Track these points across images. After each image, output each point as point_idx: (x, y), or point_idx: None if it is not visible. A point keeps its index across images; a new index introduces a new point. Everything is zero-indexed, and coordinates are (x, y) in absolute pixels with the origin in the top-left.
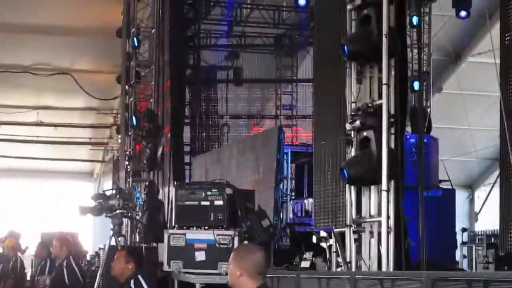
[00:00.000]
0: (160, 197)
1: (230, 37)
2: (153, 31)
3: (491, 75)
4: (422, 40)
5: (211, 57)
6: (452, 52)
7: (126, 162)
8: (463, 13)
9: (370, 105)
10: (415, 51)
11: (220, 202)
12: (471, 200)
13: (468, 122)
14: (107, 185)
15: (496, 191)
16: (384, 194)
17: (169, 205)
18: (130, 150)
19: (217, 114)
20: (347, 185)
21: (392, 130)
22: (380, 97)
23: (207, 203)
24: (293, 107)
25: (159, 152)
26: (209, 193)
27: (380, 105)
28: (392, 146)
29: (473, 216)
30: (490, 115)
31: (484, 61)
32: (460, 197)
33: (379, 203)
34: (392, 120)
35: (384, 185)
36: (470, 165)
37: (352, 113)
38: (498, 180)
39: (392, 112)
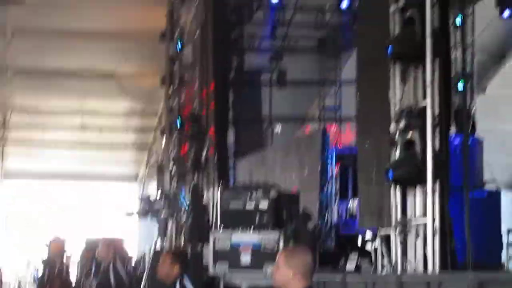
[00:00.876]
0: (204, 199)
1: (273, 39)
2: (196, 34)
3: None
4: (466, 40)
5: (255, 60)
6: (496, 52)
7: (171, 165)
8: (506, 13)
9: (414, 106)
10: (459, 51)
11: (265, 205)
12: None
13: None
14: (152, 187)
15: None
16: (429, 195)
17: (213, 207)
18: (174, 152)
19: (261, 117)
20: (392, 186)
21: (437, 131)
22: (424, 98)
23: (252, 205)
24: (337, 109)
25: (204, 154)
26: (254, 195)
27: (425, 106)
28: (437, 147)
29: None
30: None
31: None
32: (506, 197)
33: (424, 204)
34: (436, 121)
35: (429, 186)
36: None
37: (396, 114)
38: None
39: (437, 113)
